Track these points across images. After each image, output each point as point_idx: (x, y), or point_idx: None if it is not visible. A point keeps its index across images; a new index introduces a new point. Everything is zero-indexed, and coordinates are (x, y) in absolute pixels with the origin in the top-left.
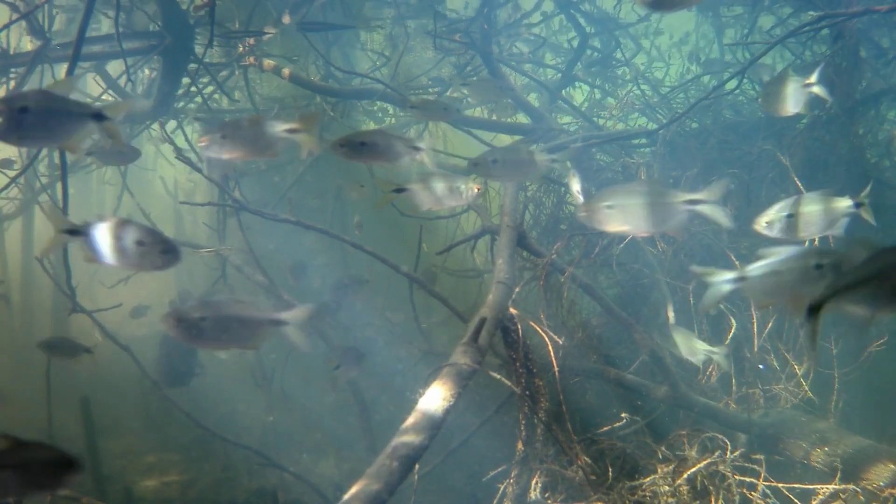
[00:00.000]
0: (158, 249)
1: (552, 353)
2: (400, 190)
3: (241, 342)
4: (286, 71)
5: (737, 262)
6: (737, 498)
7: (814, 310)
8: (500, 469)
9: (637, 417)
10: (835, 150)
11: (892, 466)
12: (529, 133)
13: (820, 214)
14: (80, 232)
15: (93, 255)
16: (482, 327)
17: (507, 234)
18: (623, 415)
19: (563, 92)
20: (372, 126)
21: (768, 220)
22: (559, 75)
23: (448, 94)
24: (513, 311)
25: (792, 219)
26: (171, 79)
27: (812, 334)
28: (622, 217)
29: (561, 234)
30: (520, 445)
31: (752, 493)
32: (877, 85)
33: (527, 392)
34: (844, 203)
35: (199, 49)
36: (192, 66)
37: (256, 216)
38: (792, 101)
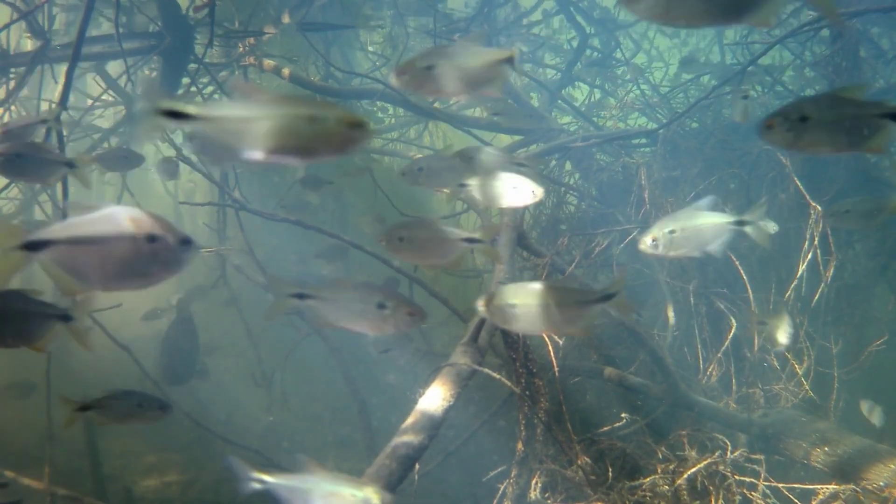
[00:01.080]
0: (404, 312)
1: (552, 353)
2: (463, 185)
3: (27, 340)
4: (286, 71)
5: (736, 262)
6: (737, 498)
7: None
8: (500, 469)
9: (637, 417)
10: None
11: (893, 466)
12: (529, 133)
13: (702, 231)
14: (307, 296)
15: (326, 321)
16: (482, 327)
17: (507, 234)
18: (623, 415)
19: (563, 91)
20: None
21: (654, 237)
22: (559, 75)
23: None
24: None
25: (675, 234)
26: (171, 79)
27: None
28: (411, 249)
29: (561, 234)
30: (520, 445)
31: (753, 493)
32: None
33: (527, 392)
34: (724, 220)
35: (199, 49)
36: (192, 65)
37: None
38: (735, 110)
